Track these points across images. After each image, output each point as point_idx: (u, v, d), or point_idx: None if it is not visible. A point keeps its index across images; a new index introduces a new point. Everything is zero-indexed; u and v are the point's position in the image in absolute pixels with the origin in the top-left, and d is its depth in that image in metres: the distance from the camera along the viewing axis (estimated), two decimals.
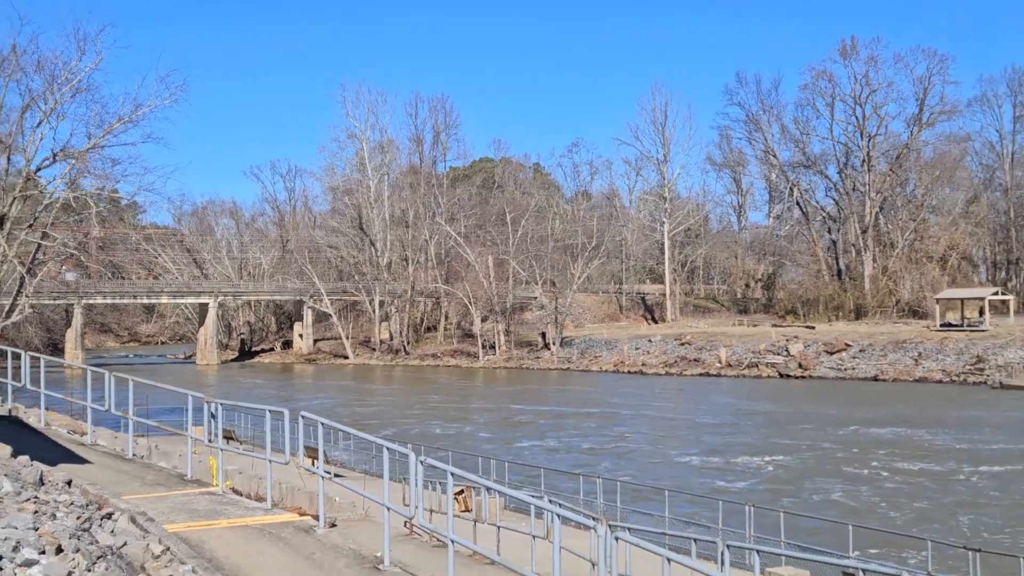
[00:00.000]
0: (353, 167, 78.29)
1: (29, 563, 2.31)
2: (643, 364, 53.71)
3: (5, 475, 4.39)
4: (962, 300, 53.11)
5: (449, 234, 68.19)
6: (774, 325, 56.83)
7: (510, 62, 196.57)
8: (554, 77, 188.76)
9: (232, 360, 74.17)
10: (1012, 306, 51.64)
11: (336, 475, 11.51)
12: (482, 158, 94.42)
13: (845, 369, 45.01)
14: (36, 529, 2.82)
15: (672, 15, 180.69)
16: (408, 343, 67.97)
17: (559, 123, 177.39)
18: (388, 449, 5.19)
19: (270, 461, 6.79)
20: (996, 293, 53.65)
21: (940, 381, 41.80)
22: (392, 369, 62.87)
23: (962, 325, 49.22)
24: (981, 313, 49.35)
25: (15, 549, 2.36)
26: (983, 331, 46.26)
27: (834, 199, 69.00)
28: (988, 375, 40.74)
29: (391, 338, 68.52)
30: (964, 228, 63.91)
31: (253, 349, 79.90)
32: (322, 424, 6.26)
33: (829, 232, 69.23)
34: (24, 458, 6.04)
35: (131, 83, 60.74)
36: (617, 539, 3.94)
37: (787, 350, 47.58)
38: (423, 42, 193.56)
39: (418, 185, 72.05)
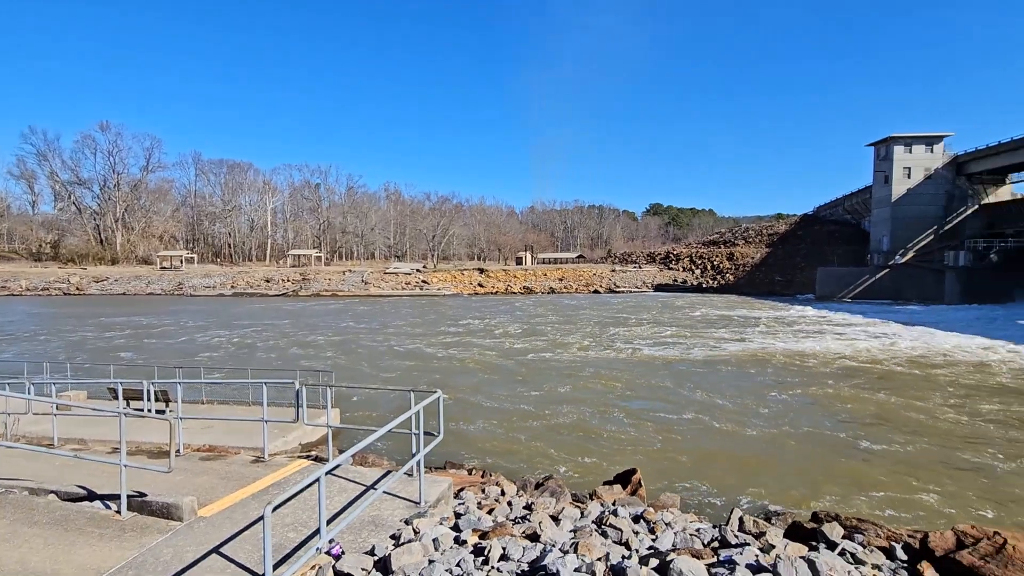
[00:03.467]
0: None
1: None
2: None
3: None
4: (171, 257, 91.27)
5: None
6: (60, 267, 79.93)
7: None
8: None
9: None
10: (196, 259, 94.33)
11: None
12: None
13: (105, 291, 73.16)
14: None
15: None
16: None
17: None
18: None
19: None
20: (190, 251, 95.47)
21: (162, 294, 75.74)
22: None
23: (169, 267, 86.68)
24: (181, 262, 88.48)
25: None
26: (180, 270, 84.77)
27: (99, 203, 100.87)
28: (184, 291, 78.30)
29: None
30: (172, 222, 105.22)
31: None
32: None
33: (95, 219, 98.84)
34: None
35: None
36: None
37: (68, 280, 72.12)
38: None
39: None
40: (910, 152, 57.09)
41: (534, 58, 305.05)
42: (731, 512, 7.89)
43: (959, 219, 55.93)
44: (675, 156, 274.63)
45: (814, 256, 71.94)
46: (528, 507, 7.52)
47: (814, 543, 5.39)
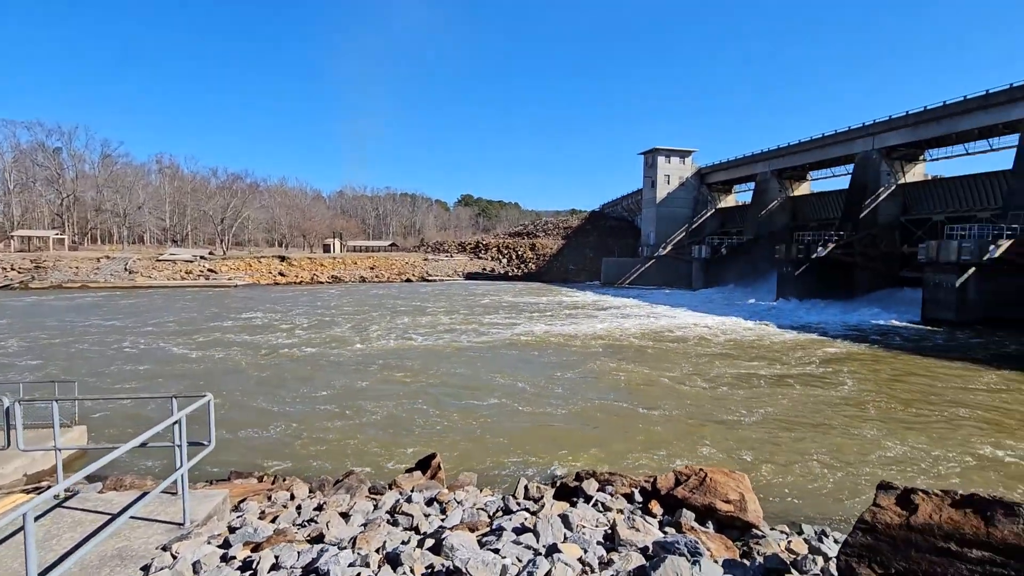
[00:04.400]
0: None
1: None
2: None
3: None
4: None
5: None
6: None
7: None
8: None
9: None
10: None
11: None
12: None
13: None
14: None
15: None
16: None
17: None
18: None
19: None
20: None
21: None
22: None
23: None
24: None
25: None
26: None
27: None
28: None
29: None
30: None
31: None
32: None
33: None
34: None
35: None
36: None
37: None
38: None
39: None
40: (669, 162, 68.66)
41: (349, 32, 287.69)
42: (518, 482, 8.68)
43: (702, 220, 69.30)
44: (485, 151, 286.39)
45: (601, 247, 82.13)
46: (320, 508, 7.23)
47: (575, 499, 6.25)
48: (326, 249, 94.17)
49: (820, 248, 42.58)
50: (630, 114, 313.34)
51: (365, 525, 6.18)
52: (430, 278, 77.72)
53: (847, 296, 42.08)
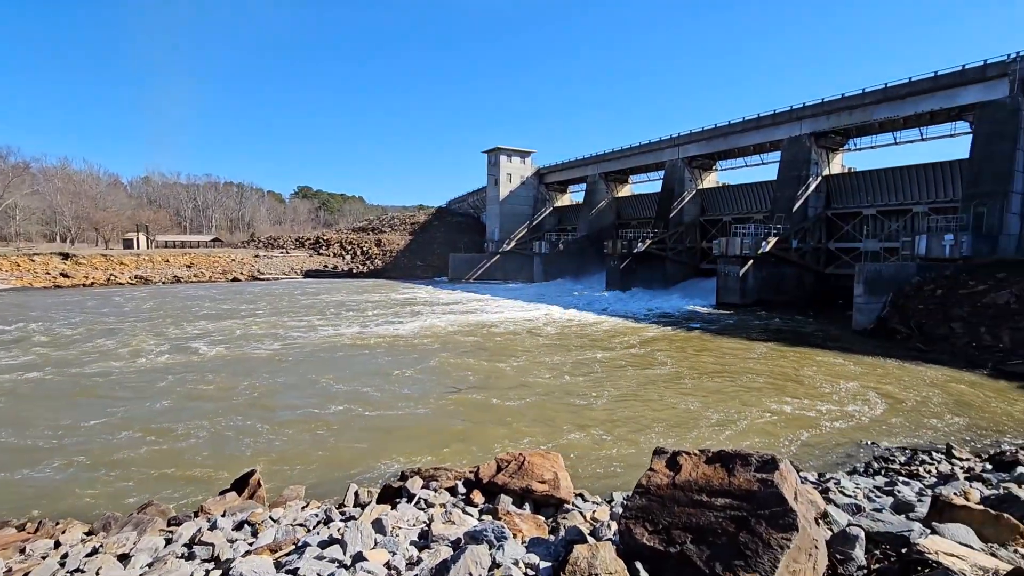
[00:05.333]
0: None
1: None
2: None
3: None
4: None
5: None
6: None
7: None
8: None
9: None
10: None
11: None
12: None
13: None
14: None
15: None
16: None
17: None
18: None
19: None
20: None
21: None
22: None
23: None
24: None
25: None
26: None
27: None
28: None
29: None
30: None
31: None
32: None
33: None
34: None
35: None
36: None
37: None
38: None
39: None
40: (511, 162, 71.51)
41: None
42: (348, 488, 8.25)
43: (542, 217, 73.50)
44: (325, 142, 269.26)
45: (448, 243, 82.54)
46: (93, 552, 6.06)
47: (399, 500, 6.11)
48: (127, 245, 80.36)
49: (640, 244, 47.93)
50: (476, 112, 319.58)
51: (151, 565, 5.33)
52: (262, 276, 70.84)
53: (663, 286, 48.03)
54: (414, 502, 5.86)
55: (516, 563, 3.78)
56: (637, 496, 4.02)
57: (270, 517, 6.86)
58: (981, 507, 4.61)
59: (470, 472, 6.71)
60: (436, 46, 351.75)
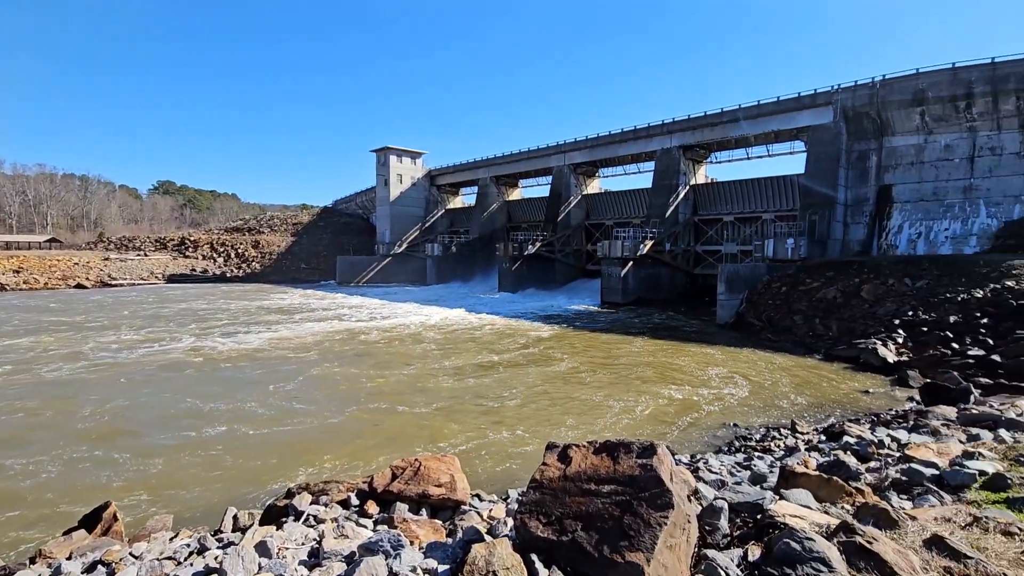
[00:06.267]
0: None
1: None
2: None
3: None
4: None
5: None
6: None
7: None
8: None
9: None
10: None
11: None
12: None
13: None
14: None
15: None
16: None
17: None
18: None
19: None
20: None
21: None
22: None
23: None
24: None
25: None
26: None
27: None
28: None
29: None
30: None
31: None
32: None
33: None
34: None
35: None
36: None
37: None
38: None
39: None
40: (401, 162, 70.08)
41: None
42: (225, 513, 7.56)
43: (434, 219, 72.89)
44: (191, 134, 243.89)
45: (335, 245, 78.75)
46: None
47: (285, 519, 5.74)
48: None
49: (530, 246, 49.41)
50: (365, 112, 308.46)
51: None
52: (114, 282, 62.36)
53: (553, 286, 49.93)
54: (302, 519, 5.53)
55: (414, 570, 3.74)
56: (531, 491, 4.17)
57: (130, 554, 6.08)
58: (817, 473, 5.41)
59: (363, 483, 6.48)
60: (315, 36, 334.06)
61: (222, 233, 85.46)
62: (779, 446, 10.37)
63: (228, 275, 71.77)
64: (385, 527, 5.18)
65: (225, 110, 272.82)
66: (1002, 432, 7.64)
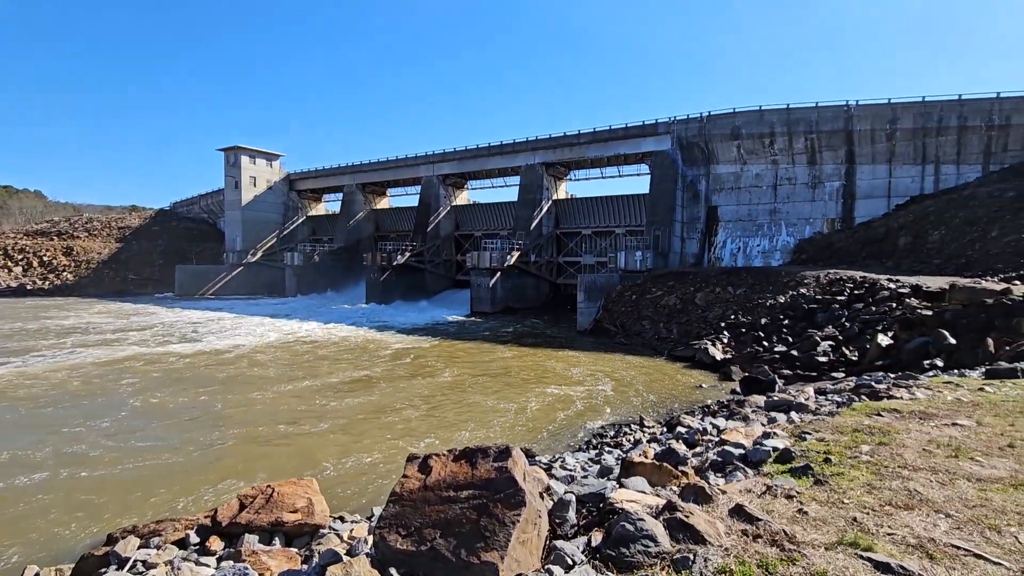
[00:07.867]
0: None
1: None
2: None
3: None
4: None
5: None
6: None
7: None
8: None
9: None
10: None
11: None
12: None
13: None
14: None
15: None
16: None
17: None
18: None
19: None
20: None
21: None
22: None
23: None
24: None
25: None
26: None
27: None
28: None
29: None
30: None
31: None
32: None
33: None
34: None
35: None
36: None
37: None
38: None
39: None
40: (255, 164, 64.61)
41: None
42: (23, 572, 6.35)
43: (294, 226, 68.22)
44: None
45: (174, 253, 69.87)
46: None
47: (105, 570, 5.01)
48: None
49: (399, 256, 48.50)
50: (214, 109, 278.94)
51: None
52: None
53: (423, 297, 49.44)
54: (127, 567, 4.87)
55: None
56: (391, 504, 4.17)
57: None
58: (652, 461, 6.11)
59: (206, 517, 5.89)
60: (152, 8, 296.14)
61: (21, 237, 71.17)
62: (629, 440, 11.43)
63: (29, 287, 59.94)
64: (231, 562, 4.77)
65: (24, 85, 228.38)
66: (793, 414, 9.28)
